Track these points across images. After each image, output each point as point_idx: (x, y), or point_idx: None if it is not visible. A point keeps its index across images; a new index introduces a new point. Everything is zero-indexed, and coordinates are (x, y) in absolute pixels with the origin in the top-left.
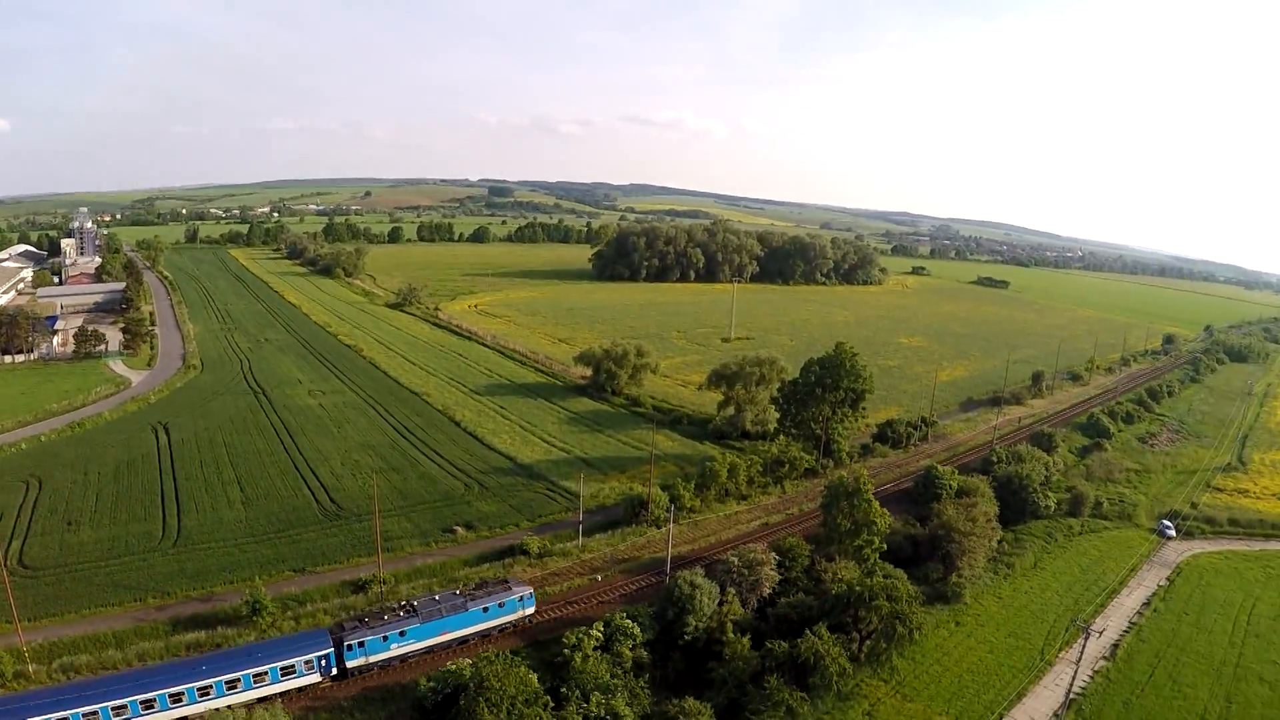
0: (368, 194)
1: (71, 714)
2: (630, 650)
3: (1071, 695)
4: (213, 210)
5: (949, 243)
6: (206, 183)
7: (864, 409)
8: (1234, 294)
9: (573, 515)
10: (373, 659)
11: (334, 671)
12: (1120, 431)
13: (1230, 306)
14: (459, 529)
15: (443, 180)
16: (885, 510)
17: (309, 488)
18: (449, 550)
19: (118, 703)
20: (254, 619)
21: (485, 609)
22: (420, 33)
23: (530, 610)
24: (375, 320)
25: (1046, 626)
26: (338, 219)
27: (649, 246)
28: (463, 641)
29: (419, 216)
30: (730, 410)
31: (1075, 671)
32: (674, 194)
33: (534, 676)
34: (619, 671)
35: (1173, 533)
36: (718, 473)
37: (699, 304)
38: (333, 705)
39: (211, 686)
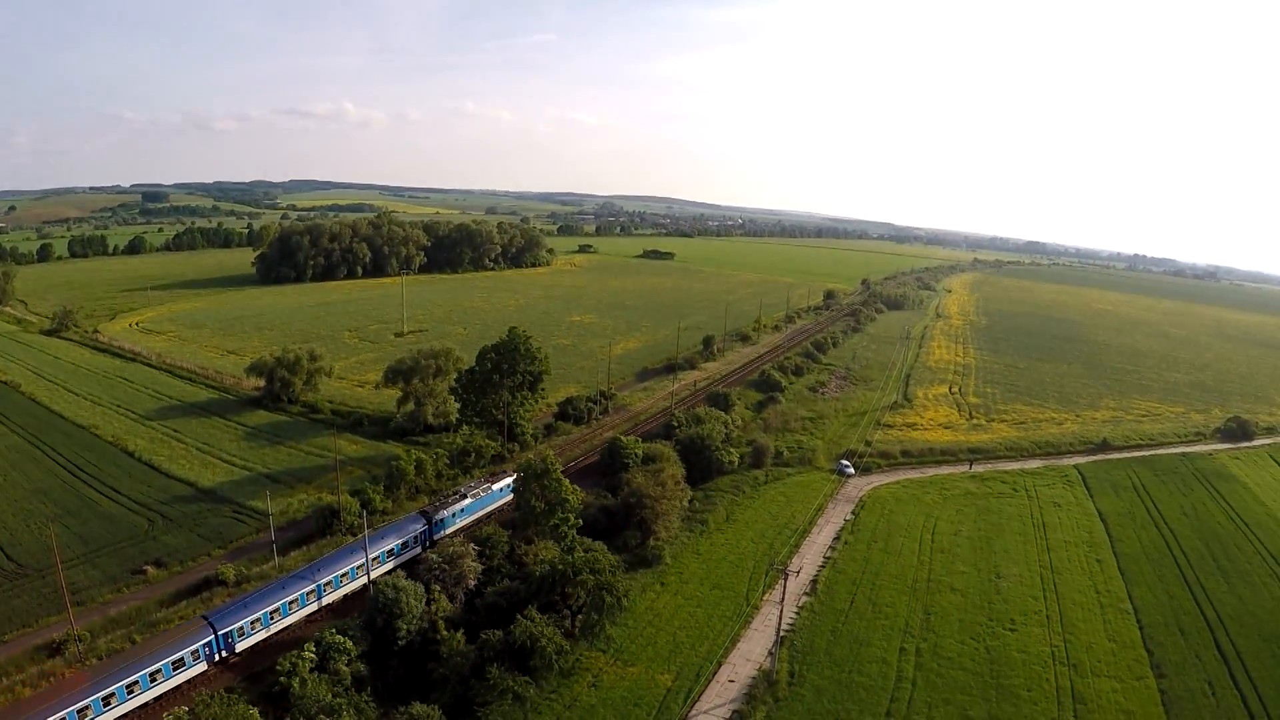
0: (12, 209)
1: (281, 604)
2: (347, 665)
3: (781, 633)
4: None
5: (614, 219)
6: None
7: (543, 390)
8: (887, 248)
9: (265, 535)
10: (448, 530)
11: (428, 543)
12: (792, 384)
13: (885, 260)
14: (149, 569)
15: (93, 188)
16: (576, 486)
17: None
18: (142, 593)
19: (308, 587)
20: None
21: (500, 489)
22: (58, 25)
23: (507, 497)
24: (31, 350)
25: (747, 573)
26: None
27: (314, 245)
28: (489, 517)
29: (70, 230)
30: (410, 406)
31: (781, 611)
32: (337, 188)
33: (255, 711)
34: (340, 690)
35: (851, 470)
36: (405, 471)
37: (369, 300)
38: None
39: (362, 564)
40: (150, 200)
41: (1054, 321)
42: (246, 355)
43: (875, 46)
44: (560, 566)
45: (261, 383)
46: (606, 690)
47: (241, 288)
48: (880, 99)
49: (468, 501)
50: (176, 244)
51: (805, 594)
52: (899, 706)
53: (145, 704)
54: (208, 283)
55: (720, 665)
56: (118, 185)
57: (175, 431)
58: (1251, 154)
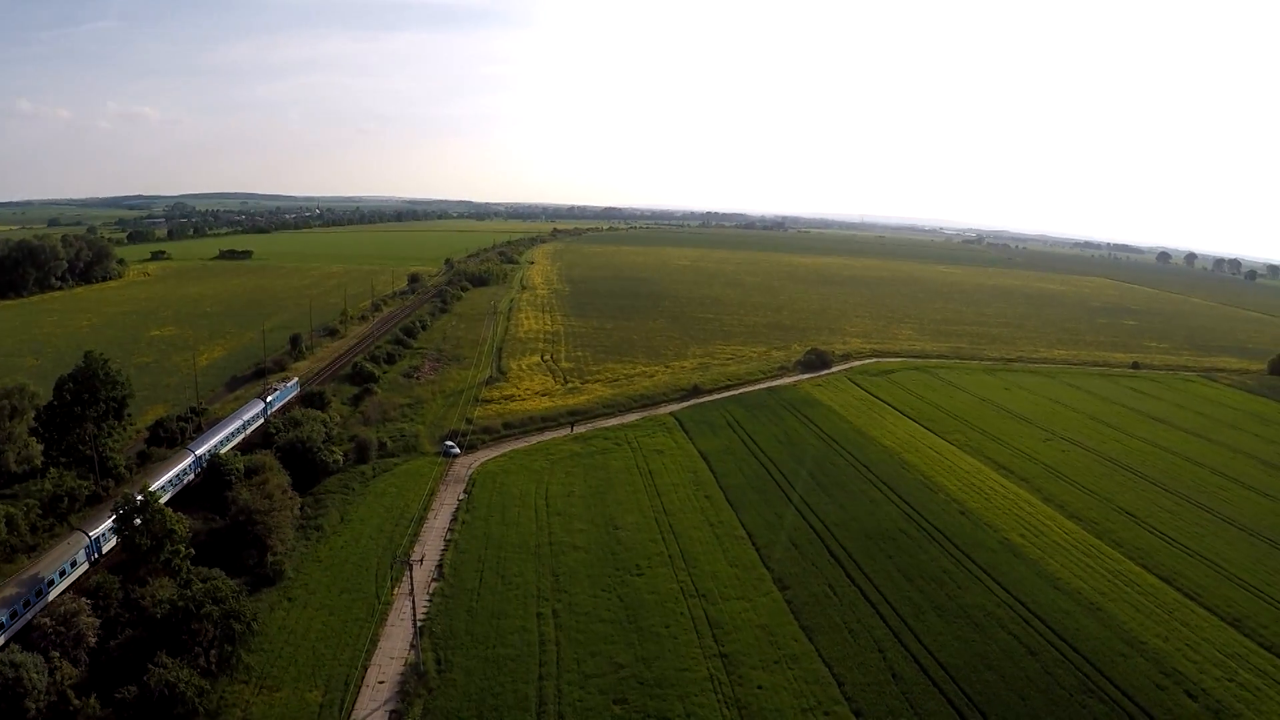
0: None
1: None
2: None
3: (419, 623)
4: None
5: (186, 220)
6: None
7: (129, 415)
8: (468, 226)
9: None
10: (275, 408)
11: (268, 415)
12: (385, 373)
13: (467, 238)
14: None
15: None
16: (181, 515)
17: None
18: None
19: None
20: None
21: (291, 385)
22: None
23: (298, 390)
24: None
25: (373, 571)
26: None
27: None
28: (286, 407)
29: None
30: None
31: (413, 602)
32: None
33: None
34: None
35: (457, 450)
36: None
37: None
38: None
39: (238, 430)
40: None
41: (636, 281)
42: None
43: (447, 38)
44: (180, 603)
45: None
46: None
47: None
48: (458, 78)
49: (280, 392)
50: None
51: (434, 580)
52: (549, 669)
53: None
54: None
55: (366, 669)
56: None
57: None
58: (810, 113)
